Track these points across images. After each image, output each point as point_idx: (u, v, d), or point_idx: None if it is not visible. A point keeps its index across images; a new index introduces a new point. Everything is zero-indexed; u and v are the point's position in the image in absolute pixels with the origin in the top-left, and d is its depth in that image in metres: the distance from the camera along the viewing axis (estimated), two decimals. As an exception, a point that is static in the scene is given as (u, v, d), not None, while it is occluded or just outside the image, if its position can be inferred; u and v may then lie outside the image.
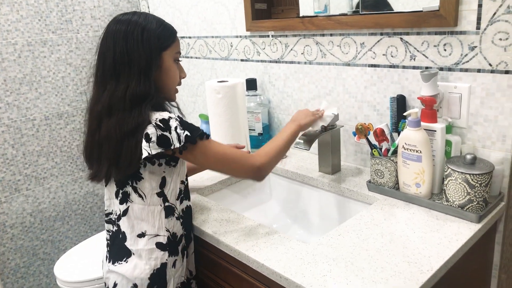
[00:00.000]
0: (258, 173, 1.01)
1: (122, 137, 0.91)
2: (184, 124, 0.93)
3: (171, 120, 0.92)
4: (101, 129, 0.94)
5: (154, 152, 0.90)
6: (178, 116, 0.95)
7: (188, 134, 0.92)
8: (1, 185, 1.81)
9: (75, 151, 2.03)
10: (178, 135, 0.91)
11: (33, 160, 1.89)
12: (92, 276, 1.53)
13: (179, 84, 1.06)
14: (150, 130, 0.90)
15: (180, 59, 1.06)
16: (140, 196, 0.98)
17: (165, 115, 0.92)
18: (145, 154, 0.90)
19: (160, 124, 0.91)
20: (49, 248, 1.99)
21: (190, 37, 1.90)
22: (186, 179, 1.07)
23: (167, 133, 0.90)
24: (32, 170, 1.89)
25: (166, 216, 1.00)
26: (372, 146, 1.15)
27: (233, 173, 1.04)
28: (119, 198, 1.00)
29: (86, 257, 1.66)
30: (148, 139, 0.90)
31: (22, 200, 1.88)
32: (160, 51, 0.98)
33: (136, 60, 0.94)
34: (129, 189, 0.98)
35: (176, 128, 0.91)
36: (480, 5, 0.98)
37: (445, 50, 1.07)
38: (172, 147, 0.91)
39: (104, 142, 0.94)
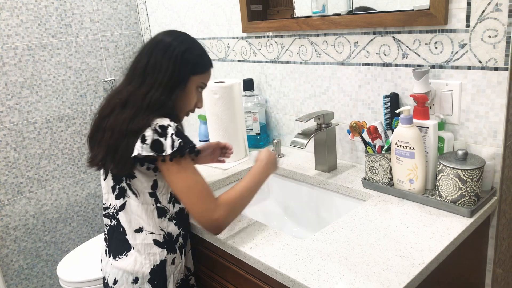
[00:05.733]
0: (215, 225, 0.94)
1: (125, 133, 0.94)
2: (180, 135, 0.94)
3: (169, 128, 0.94)
4: (110, 117, 0.97)
5: (144, 153, 0.92)
6: (176, 127, 0.95)
7: (182, 143, 0.93)
8: (4, 187, 1.83)
9: (76, 153, 2.05)
10: (173, 141, 0.92)
11: (35, 163, 1.92)
12: (95, 276, 1.55)
13: (192, 111, 1.09)
14: (148, 132, 0.92)
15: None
16: (134, 193, 1.01)
17: (165, 122, 0.94)
18: (135, 152, 0.92)
19: (158, 129, 0.93)
20: (52, 250, 2.02)
21: (188, 39, 1.92)
22: None
23: (162, 139, 0.92)
24: (34, 172, 1.92)
25: (159, 217, 1.03)
26: (366, 143, 1.17)
27: (191, 208, 0.94)
28: (115, 193, 1.03)
29: (88, 257, 1.68)
30: (143, 140, 0.92)
31: (25, 202, 1.90)
32: (190, 74, 1.02)
33: (166, 73, 0.98)
34: (124, 185, 1.01)
35: (172, 135, 0.93)
36: (469, 3, 0.99)
37: (436, 48, 1.08)
38: (164, 153, 0.92)
39: (108, 130, 0.97)
